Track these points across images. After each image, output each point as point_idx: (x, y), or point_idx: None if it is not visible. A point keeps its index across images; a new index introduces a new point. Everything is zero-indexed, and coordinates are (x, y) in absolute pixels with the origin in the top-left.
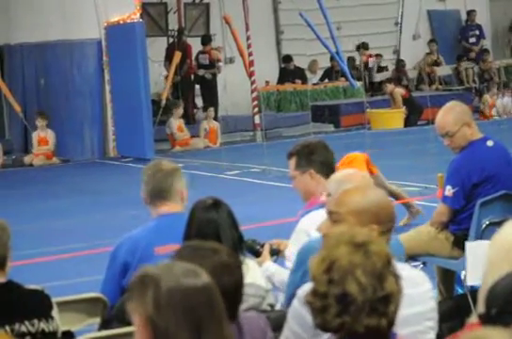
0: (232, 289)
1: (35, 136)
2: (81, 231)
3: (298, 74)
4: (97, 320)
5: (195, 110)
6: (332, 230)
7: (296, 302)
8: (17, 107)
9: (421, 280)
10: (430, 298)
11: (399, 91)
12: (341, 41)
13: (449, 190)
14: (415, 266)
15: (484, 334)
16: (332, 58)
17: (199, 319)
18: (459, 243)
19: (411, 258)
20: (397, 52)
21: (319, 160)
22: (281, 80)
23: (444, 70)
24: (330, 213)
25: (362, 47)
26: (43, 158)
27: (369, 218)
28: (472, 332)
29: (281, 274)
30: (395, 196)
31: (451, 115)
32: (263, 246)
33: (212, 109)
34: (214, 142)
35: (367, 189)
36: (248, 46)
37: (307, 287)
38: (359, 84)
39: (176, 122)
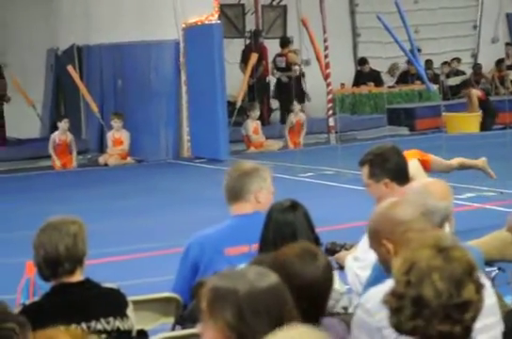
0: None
1: (110, 136)
2: (156, 230)
3: (374, 77)
4: (171, 320)
5: (270, 112)
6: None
7: (359, 311)
8: (94, 107)
9: (491, 291)
10: (497, 309)
11: (476, 95)
12: (418, 45)
13: None
14: (491, 272)
15: None
16: (409, 62)
17: (278, 318)
18: None
19: (486, 264)
20: (475, 55)
21: (393, 168)
22: (357, 83)
23: None
24: None
25: None
26: (118, 158)
27: None
28: None
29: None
30: (468, 167)
31: None
32: (343, 247)
33: (295, 104)
34: (295, 138)
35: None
36: (325, 48)
37: (370, 295)
38: (435, 87)
39: (252, 124)
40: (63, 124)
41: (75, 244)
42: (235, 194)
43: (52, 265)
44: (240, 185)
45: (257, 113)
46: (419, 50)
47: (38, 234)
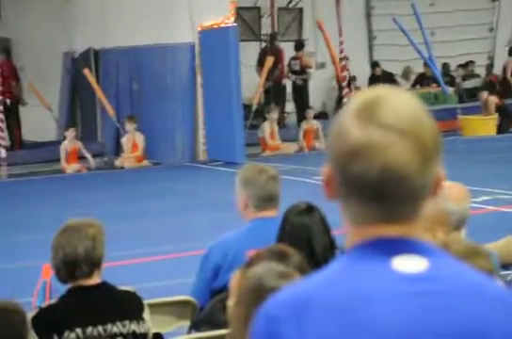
0: None
1: (124, 139)
2: (172, 233)
3: (388, 80)
4: (187, 323)
5: (285, 115)
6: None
7: None
8: (110, 110)
9: None
10: None
11: (492, 98)
12: (434, 47)
13: None
14: (506, 276)
15: None
16: (426, 64)
17: None
18: None
19: (502, 267)
20: (491, 58)
21: None
22: (371, 85)
23: None
24: None
25: None
26: (134, 161)
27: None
28: None
29: None
30: None
31: None
32: None
33: (310, 111)
34: (309, 143)
35: None
36: (341, 51)
37: None
38: (451, 90)
39: (269, 127)
40: (70, 133)
41: (94, 247)
42: (272, 201)
43: (70, 267)
44: (275, 192)
45: (275, 116)
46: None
47: (57, 236)
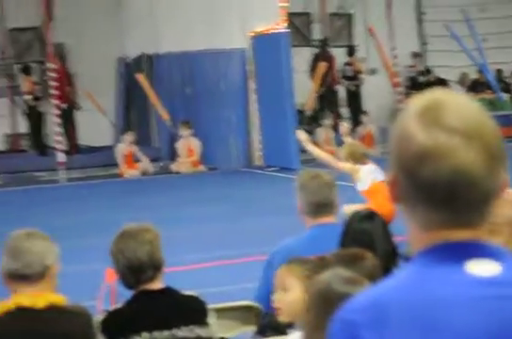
0: None
1: (179, 144)
2: (229, 238)
3: (440, 86)
4: (251, 328)
5: (339, 120)
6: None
7: None
8: (165, 116)
9: None
10: None
11: None
12: (487, 53)
13: None
14: None
15: None
16: (479, 70)
17: None
18: None
19: None
20: None
21: None
22: (424, 91)
23: None
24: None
25: None
26: (190, 166)
27: None
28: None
29: None
30: None
31: None
32: None
33: (364, 116)
34: (368, 146)
35: None
36: (394, 57)
37: None
38: (506, 96)
39: (324, 133)
40: (129, 137)
41: (154, 251)
42: (328, 208)
43: (135, 272)
44: (331, 199)
45: (329, 122)
46: None
47: (115, 241)
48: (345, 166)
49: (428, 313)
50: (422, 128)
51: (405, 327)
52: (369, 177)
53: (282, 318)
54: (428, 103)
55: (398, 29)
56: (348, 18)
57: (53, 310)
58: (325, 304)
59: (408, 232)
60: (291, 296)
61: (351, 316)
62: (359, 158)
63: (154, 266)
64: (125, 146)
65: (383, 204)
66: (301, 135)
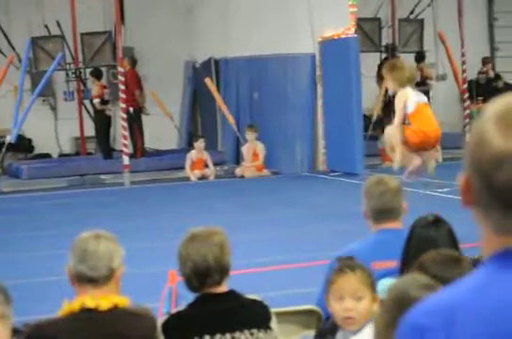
0: None
1: (244, 148)
2: (294, 243)
3: (509, 91)
4: (312, 332)
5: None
6: None
7: None
8: (231, 120)
9: None
10: None
11: None
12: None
13: None
14: None
15: None
16: None
17: None
18: None
19: None
20: None
21: None
22: (494, 97)
23: None
24: None
25: None
26: (254, 170)
27: None
28: None
29: None
30: None
31: None
32: None
33: None
34: None
35: None
36: (463, 63)
37: None
38: None
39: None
40: (199, 144)
41: (222, 255)
42: (392, 214)
43: (201, 276)
44: (396, 206)
45: None
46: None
47: (183, 245)
48: (400, 103)
49: (498, 318)
50: (498, 132)
51: (474, 332)
52: (416, 99)
53: (353, 328)
54: (504, 107)
55: (468, 35)
56: (419, 23)
57: (117, 312)
58: (400, 309)
59: (481, 236)
60: (363, 305)
61: (420, 320)
62: (405, 82)
63: (221, 271)
64: (195, 153)
65: (428, 124)
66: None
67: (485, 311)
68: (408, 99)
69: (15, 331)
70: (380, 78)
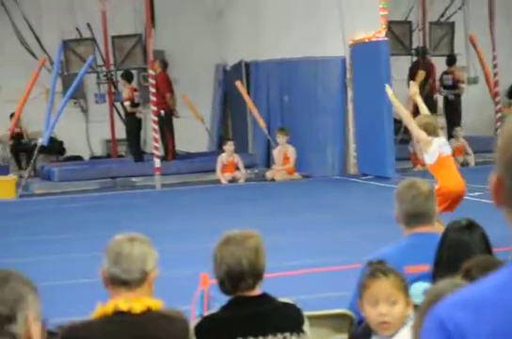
0: None
1: (275, 151)
2: (324, 246)
3: None
4: (344, 336)
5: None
6: None
7: None
8: (261, 123)
9: None
10: None
11: None
12: None
13: None
14: None
15: None
16: None
17: None
18: None
19: None
20: None
21: None
22: None
23: None
24: None
25: None
26: (285, 173)
27: None
28: None
29: None
30: None
31: None
32: None
33: (458, 129)
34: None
35: None
36: (494, 66)
37: None
38: None
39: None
40: (228, 147)
41: (257, 258)
42: (424, 218)
43: (235, 279)
44: (427, 210)
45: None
46: None
47: (218, 248)
48: (420, 133)
49: None
50: None
51: (497, 327)
52: (438, 150)
53: (388, 333)
54: None
55: (500, 38)
56: (450, 27)
57: (150, 314)
58: None
59: None
60: (397, 309)
61: (446, 314)
62: (432, 130)
63: (255, 275)
64: (226, 156)
65: (450, 178)
66: (389, 89)
67: (508, 307)
68: (432, 149)
69: (49, 333)
70: (411, 80)
